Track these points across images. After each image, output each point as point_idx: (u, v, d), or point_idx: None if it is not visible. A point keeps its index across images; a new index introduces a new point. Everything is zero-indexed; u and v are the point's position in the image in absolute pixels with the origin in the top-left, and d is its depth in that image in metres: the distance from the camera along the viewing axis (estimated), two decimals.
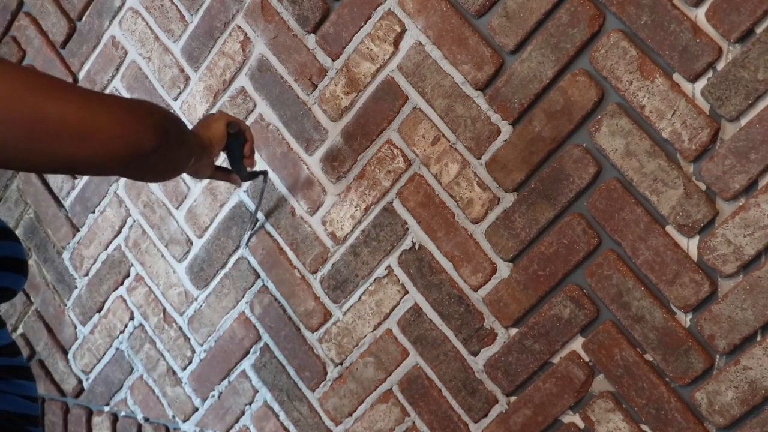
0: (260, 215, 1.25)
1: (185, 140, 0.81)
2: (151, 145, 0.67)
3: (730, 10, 0.87)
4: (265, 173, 1.19)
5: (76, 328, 1.50)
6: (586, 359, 1.00)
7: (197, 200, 1.32)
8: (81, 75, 1.44)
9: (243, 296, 1.29)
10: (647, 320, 0.95)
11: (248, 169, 1.10)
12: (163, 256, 1.38)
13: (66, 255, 1.50)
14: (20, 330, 1.58)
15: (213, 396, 1.33)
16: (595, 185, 0.98)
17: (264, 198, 1.24)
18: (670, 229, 0.93)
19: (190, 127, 1.06)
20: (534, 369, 1.03)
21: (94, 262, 1.46)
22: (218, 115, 1.03)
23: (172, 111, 0.83)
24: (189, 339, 1.35)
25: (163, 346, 1.39)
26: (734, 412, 0.90)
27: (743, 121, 0.88)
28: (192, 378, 1.36)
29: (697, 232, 0.92)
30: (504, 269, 1.05)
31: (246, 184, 1.26)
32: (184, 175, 1.33)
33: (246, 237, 1.26)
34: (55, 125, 0.61)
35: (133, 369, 1.43)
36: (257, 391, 1.29)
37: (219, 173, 1.08)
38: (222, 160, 1.24)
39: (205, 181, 1.31)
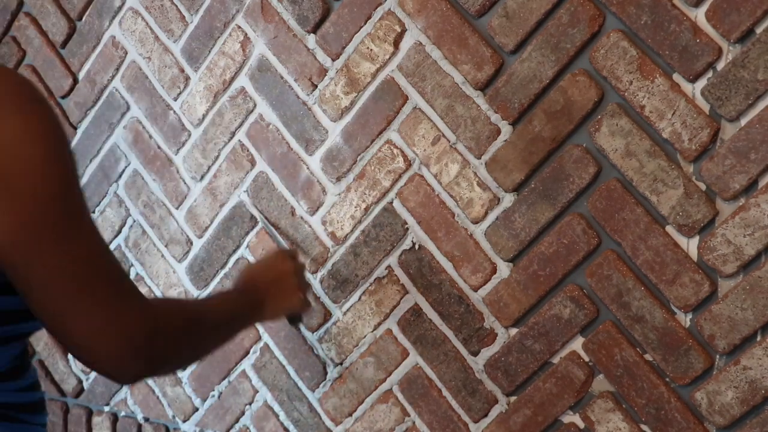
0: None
1: (205, 342, 0.74)
2: (142, 375, 0.63)
3: (730, 10, 0.87)
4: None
5: None
6: (586, 359, 1.00)
7: (197, 200, 1.32)
8: (81, 75, 1.44)
9: None
10: (647, 320, 0.95)
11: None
12: (163, 256, 1.38)
13: None
14: None
15: (213, 396, 1.33)
16: (595, 185, 0.98)
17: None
18: (670, 229, 0.93)
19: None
20: (534, 369, 1.03)
21: None
22: (296, 301, 0.97)
23: (190, 318, 0.76)
24: None
25: None
26: (734, 412, 0.90)
27: (743, 121, 0.88)
28: (192, 378, 1.36)
29: (697, 232, 0.92)
30: (504, 269, 1.05)
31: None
32: (185, 176, 1.33)
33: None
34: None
35: None
36: (257, 391, 1.29)
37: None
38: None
39: (205, 181, 1.31)
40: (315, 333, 1.22)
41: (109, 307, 0.60)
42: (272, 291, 0.95)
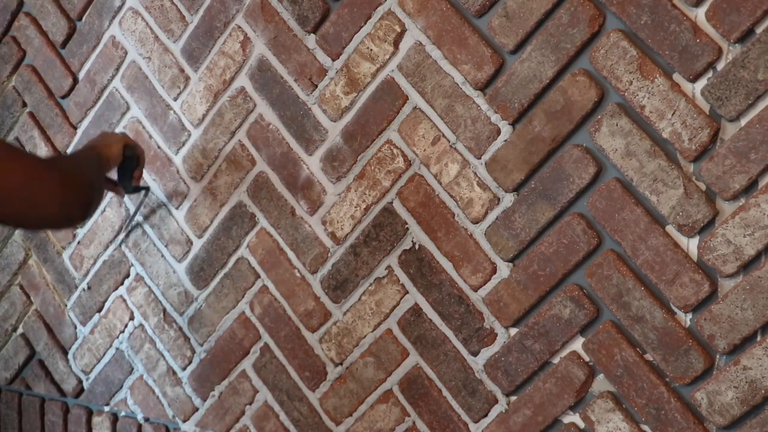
0: (137, 219, 1.40)
1: (98, 177, 1.02)
2: (83, 213, 0.87)
3: (730, 10, 0.87)
4: (147, 188, 1.35)
5: (76, 328, 1.50)
6: (586, 359, 1.00)
7: (197, 200, 1.32)
8: (81, 75, 1.44)
9: (243, 296, 1.29)
10: (647, 320, 0.95)
11: (133, 185, 1.25)
12: (163, 256, 1.38)
13: (66, 255, 1.50)
14: (20, 330, 1.58)
15: (213, 396, 1.33)
16: (595, 185, 0.98)
17: (143, 207, 1.39)
18: (670, 229, 0.93)
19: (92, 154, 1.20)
20: (534, 369, 1.03)
21: (94, 263, 1.46)
22: (120, 136, 1.17)
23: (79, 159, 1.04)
24: (189, 339, 1.35)
25: (163, 346, 1.39)
26: (734, 412, 0.90)
27: (743, 121, 0.88)
28: (192, 378, 1.36)
29: (697, 232, 0.92)
30: (504, 269, 1.05)
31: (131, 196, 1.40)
32: (184, 175, 1.33)
33: (122, 236, 1.42)
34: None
35: (133, 369, 1.43)
36: (257, 391, 1.29)
37: (106, 183, 1.23)
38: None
39: (205, 181, 1.31)
40: (315, 333, 1.22)
41: (31, 178, 0.81)
42: (104, 143, 1.14)
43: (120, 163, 1.20)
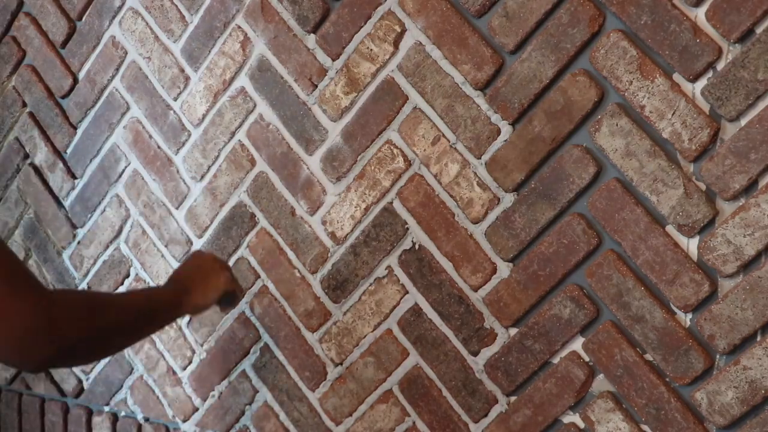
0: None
1: (124, 329, 0.76)
2: (46, 361, 0.65)
3: (730, 10, 0.87)
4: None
5: None
6: (586, 359, 1.00)
7: (197, 200, 1.32)
8: (81, 75, 1.44)
9: (243, 296, 1.29)
10: (647, 320, 0.95)
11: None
12: (163, 256, 1.38)
13: (66, 255, 1.50)
14: None
15: (213, 396, 1.33)
16: (595, 185, 0.98)
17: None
18: (670, 229, 0.93)
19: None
20: (534, 369, 1.03)
21: (94, 263, 1.46)
22: (224, 279, 1.00)
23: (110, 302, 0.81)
24: (189, 339, 1.35)
25: (163, 346, 1.39)
26: (734, 412, 0.90)
27: (743, 121, 0.88)
28: (192, 378, 1.36)
29: (697, 232, 0.92)
30: (504, 269, 1.05)
31: None
32: (184, 176, 1.33)
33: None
34: None
35: (133, 369, 1.43)
36: (257, 391, 1.29)
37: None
38: None
39: (205, 181, 1.31)
40: (315, 333, 1.22)
41: (3, 297, 0.62)
42: (197, 277, 0.97)
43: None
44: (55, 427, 1.55)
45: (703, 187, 0.91)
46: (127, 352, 1.43)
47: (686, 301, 0.92)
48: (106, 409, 1.48)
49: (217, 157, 1.29)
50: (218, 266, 1.04)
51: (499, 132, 1.04)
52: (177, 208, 1.35)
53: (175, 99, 1.33)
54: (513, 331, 1.05)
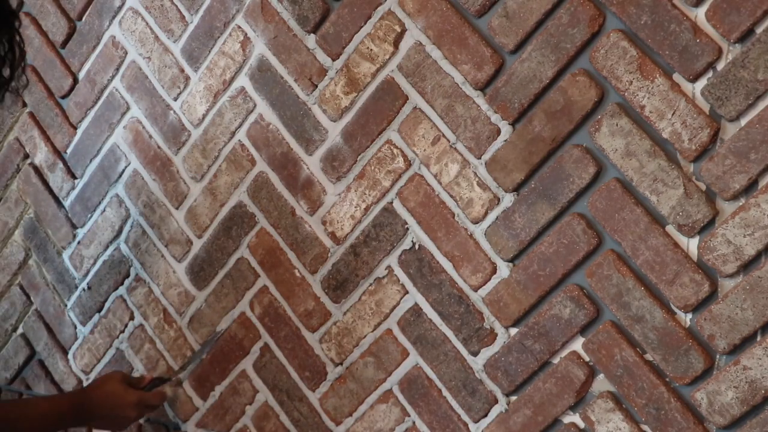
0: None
1: None
2: None
3: (730, 10, 0.87)
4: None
5: (76, 328, 1.50)
6: (586, 359, 1.00)
7: (197, 200, 1.32)
8: (81, 75, 1.44)
9: (243, 296, 1.29)
10: (647, 320, 0.95)
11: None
12: (163, 256, 1.38)
13: (66, 255, 1.50)
14: (20, 330, 1.58)
15: (213, 396, 1.33)
16: (595, 185, 0.98)
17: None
18: (670, 229, 0.93)
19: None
20: (534, 369, 1.03)
21: (94, 263, 1.46)
22: (135, 415, 1.08)
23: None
24: (189, 339, 1.35)
25: (163, 346, 1.39)
26: (734, 412, 0.90)
27: (743, 121, 0.88)
28: (192, 378, 1.36)
29: (697, 232, 0.92)
30: (504, 269, 1.05)
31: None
32: (184, 176, 1.33)
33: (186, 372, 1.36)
34: None
35: (133, 369, 1.43)
36: (257, 391, 1.29)
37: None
38: None
39: (205, 181, 1.31)
40: (315, 333, 1.22)
41: None
42: (104, 408, 1.07)
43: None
44: None
45: (703, 187, 0.91)
46: (127, 352, 1.43)
47: (686, 301, 0.92)
48: None
49: (217, 157, 1.29)
50: (128, 402, 1.12)
51: (499, 132, 1.04)
52: (177, 208, 1.35)
53: (175, 99, 1.33)
54: (513, 331, 1.05)
